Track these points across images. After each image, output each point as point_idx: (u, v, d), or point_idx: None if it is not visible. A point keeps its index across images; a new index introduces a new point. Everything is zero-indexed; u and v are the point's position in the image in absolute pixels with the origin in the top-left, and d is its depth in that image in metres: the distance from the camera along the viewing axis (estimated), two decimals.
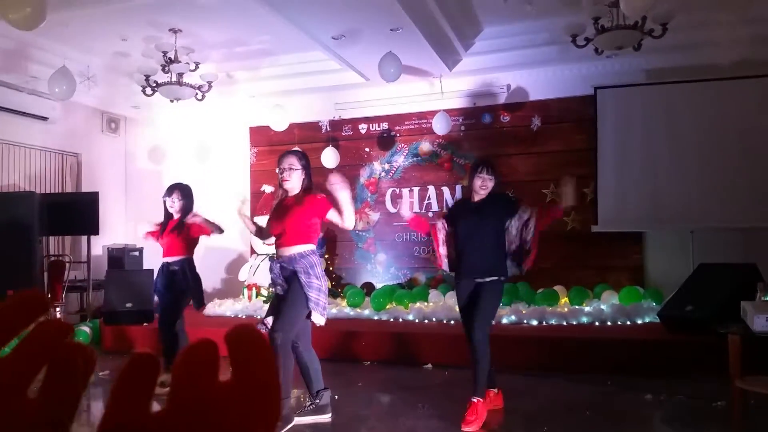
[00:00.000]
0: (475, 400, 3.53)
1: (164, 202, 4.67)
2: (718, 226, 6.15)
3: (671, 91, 6.45)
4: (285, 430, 3.49)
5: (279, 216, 3.58)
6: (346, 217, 3.48)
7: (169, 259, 4.60)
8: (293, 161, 3.61)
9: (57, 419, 0.30)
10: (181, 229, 4.58)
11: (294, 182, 3.58)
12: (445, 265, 3.91)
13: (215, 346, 0.33)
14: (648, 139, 6.50)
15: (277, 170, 3.64)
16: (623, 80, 6.68)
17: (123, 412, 0.31)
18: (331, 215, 3.53)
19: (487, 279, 3.66)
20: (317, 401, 3.63)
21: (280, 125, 7.39)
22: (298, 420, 3.57)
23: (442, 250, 3.87)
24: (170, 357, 4.38)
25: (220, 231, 4.55)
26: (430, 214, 7.58)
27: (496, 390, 3.85)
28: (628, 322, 5.57)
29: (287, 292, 3.52)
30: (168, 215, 4.68)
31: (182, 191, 4.64)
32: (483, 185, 3.71)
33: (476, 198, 3.78)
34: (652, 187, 6.41)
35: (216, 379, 0.32)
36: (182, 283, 4.54)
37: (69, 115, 7.79)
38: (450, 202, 7.51)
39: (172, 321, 4.53)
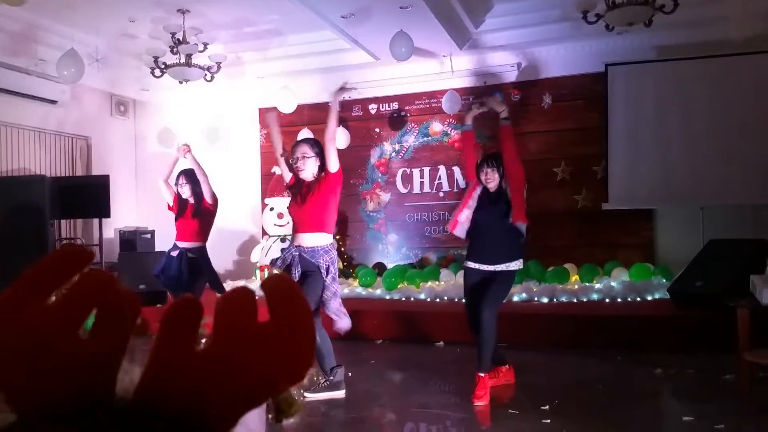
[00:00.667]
0: (482, 375, 3.60)
1: (176, 189, 4.85)
2: (728, 203, 6.12)
3: (682, 67, 6.38)
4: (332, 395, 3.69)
5: (298, 202, 3.62)
6: (327, 129, 3.66)
7: (186, 245, 4.70)
8: (306, 150, 3.67)
9: (108, 358, 0.32)
10: (199, 214, 4.74)
11: (309, 170, 3.65)
12: (459, 230, 3.88)
13: (253, 292, 0.35)
14: (659, 116, 6.45)
15: (291, 160, 3.71)
16: (634, 57, 6.62)
17: (169, 351, 0.33)
18: (327, 151, 3.64)
19: (502, 267, 3.72)
20: (331, 378, 3.69)
21: (288, 107, 7.39)
22: (313, 396, 3.64)
23: (462, 216, 3.86)
24: None
25: (204, 176, 4.77)
26: (441, 194, 7.60)
27: (507, 366, 3.91)
28: (638, 299, 5.59)
29: (303, 278, 3.55)
30: (183, 200, 4.80)
31: (187, 176, 4.80)
32: (487, 179, 3.80)
33: (491, 190, 3.84)
34: (663, 165, 6.38)
35: (255, 321, 0.34)
36: (200, 270, 4.68)
37: (78, 98, 7.82)
38: (461, 183, 7.51)
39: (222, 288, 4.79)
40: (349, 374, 4.16)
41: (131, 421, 0.29)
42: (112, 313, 0.33)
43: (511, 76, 7.24)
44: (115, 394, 0.31)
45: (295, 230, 3.66)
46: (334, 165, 3.64)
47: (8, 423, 0.28)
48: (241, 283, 7.20)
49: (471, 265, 3.85)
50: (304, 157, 3.64)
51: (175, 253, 4.69)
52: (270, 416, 0.35)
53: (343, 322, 3.67)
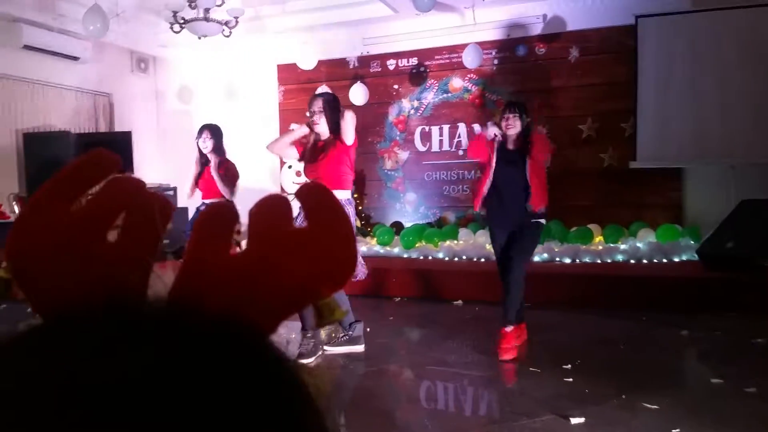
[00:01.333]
0: (508, 329, 3.57)
1: (197, 144, 4.75)
2: (761, 162, 5.88)
3: (718, 18, 6.05)
4: (313, 359, 3.60)
5: (312, 160, 3.55)
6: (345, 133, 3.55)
7: (211, 201, 4.67)
8: (323, 104, 3.57)
9: (138, 261, 0.31)
10: (218, 168, 4.68)
11: (324, 125, 3.55)
12: (480, 207, 3.86)
13: (287, 198, 0.33)
14: (691, 70, 6.17)
15: (307, 113, 3.61)
16: (666, 8, 6.29)
17: (204, 253, 0.31)
18: (345, 123, 3.54)
19: (525, 220, 3.64)
20: (350, 332, 3.68)
21: (307, 63, 7.25)
22: (332, 350, 3.64)
23: (485, 189, 3.78)
24: None
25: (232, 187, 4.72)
26: (460, 152, 7.45)
27: (523, 323, 3.86)
28: (665, 260, 5.46)
29: None
30: (204, 158, 4.74)
31: (211, 131, 4.73)
32: (508, 125, 3.69)
33: (510, 145, 3.73)
34: (694, 122, 6.14)
35: (291, 225, 0.32)
36: None
37: (99, 54, 7.76)
38: None
39: None
40: (368, 329, 4.14)
41: (165, 325, 0.26)
42: (142, 215, 0.32)
43: (537, 29, 6.96)
44: (146, 299, 0.30)
45: None
46: (350, 138, 3.58)
47: (32, 326, 0.26)
48: None
49: (493, 226, 3.81)
50: (321, 111, 3.55)
51: (203, 209, 4.69)
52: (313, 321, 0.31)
53: (359, 271, 3.60)
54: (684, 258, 5.43)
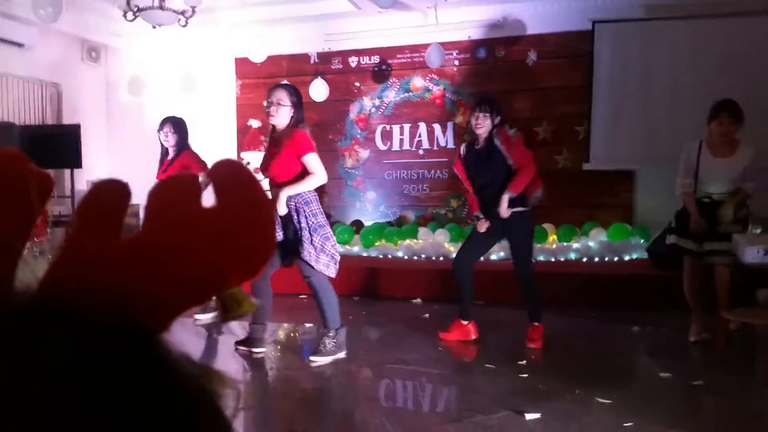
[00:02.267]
0: (537, 324, 3.76)
1: (159, 137, 4.54)
2: None
3: (672, 27, 6.27)
4: (258, 351, 3.63)
5: (269, 158, 3.47)
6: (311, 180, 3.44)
7: None
8: (282, 96, 3.45)
9: (6, 244, 0.27)
10: (172, 165, 4.48)
11: (281, 118, 3.45)
12: (475, 213, 3.93)
13: (196, 176, 0.31)
14: (645, 76, 6.37)
15: (264, 103, 3.51)
16: (622, 15, 6.48)
17: (86, 237, 0.27)
18: (309, 160, 3.40)
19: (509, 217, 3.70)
20: (337, 338, 3.56)
21: (258, 56, 7.14)
22: (321, 360, 3.49)
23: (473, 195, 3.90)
24: None
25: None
26: (421, 152, 7.49)
27: (466, 322, 3.93)
28: (616, 259, 5.61)
29: (292, 234, 3.41)
30: (165, 151, 4.55)
31: (174, 124, 4.50)
32: (477, 124, 3.71)
33: (477, 145, 3.78)
34: (646, 126, 6.33)
35: (196, 206, 0.29)
36: None
37: (47, 42, 7.45)
38: (441, 141, 7.41)
39: None
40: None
41: (33, 318, 0.23)
42: (13, 193, 0.27)
43: (496, 32, 7.06)
44: (12, 289, 0.26)
45: (273, 187, 3.49)
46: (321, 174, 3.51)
47: None
48: None
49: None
50: (279, 103, 3.44)
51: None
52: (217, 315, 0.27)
53: (332, 271, 3.54)
54: (634, 256, 5.60)
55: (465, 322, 3.94)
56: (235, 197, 0.29)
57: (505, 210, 3.64)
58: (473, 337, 3.94)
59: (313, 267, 3.39)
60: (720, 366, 3.43)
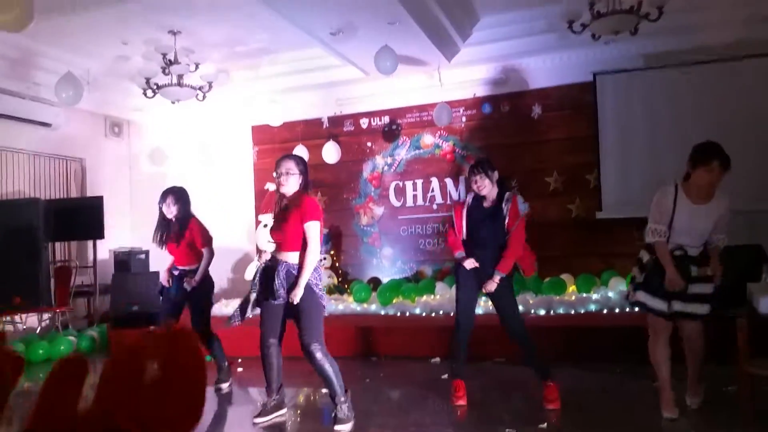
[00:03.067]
0: (550, 383, 3.72)
1: (160, 209, 4.60)
2: None
3: (670, 74, 6.40)
4: (278, 414, 3.71)
5: (279, 222, 3.59)
6: (309, 251, 3.49)
7: (184, 268, 4.62)
8: (290, 166, 3.61)
9: None
10: (182, 238, 4.56)
11: (290, 186, 3.59)
12: (458, 252, 3.92)
13: (139, 352, 0.35)
14: (649, 123, 6.46)
15: (274, 174, 3.65)
16: (622, 65, 6.64)
17: (49, 412, 0.32)
18: (309, 227, 3.49)
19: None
20: (344, 405, 3.55)
21: (275, 120, 7.40)
22: (345, 428, 3.50)
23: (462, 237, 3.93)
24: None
25: (210, 253, 4.64)
26: (434, 206, 7.59)
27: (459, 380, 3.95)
28: (636, 309, 5.54)
29: (300, 300, 3.44)
30: (167, 222, 4.62)
31: (175, 195, 4.59)
32: (478, 187, 3.83)
33: (485, 203, 3.87)
34: (656, 172, 6.36)
35: (140, 379, 0.34)
36: (204, 288, 4.62)
37: (72, 120, 7.82)
38: (454, 194, 7.50)
39: (207, 323, 4.63)
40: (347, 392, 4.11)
41: None
42: None
43: (500, 88, 7.26)
44: None
45: (278, 250, 3.61)
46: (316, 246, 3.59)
47: None
48: (235, 302, 7.13)
49: (465, 277, 3.87)
50: (288, 173, 3.59)
51: (176, 273, 4.65)
52: None
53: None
54: None
55: (461, 380, 3.96)
56: (174, 370, 0.34)
57: (493, 287, 3.74)
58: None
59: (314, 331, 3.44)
60: (745, 421, 3.35)
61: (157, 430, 0.33)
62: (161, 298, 4.83)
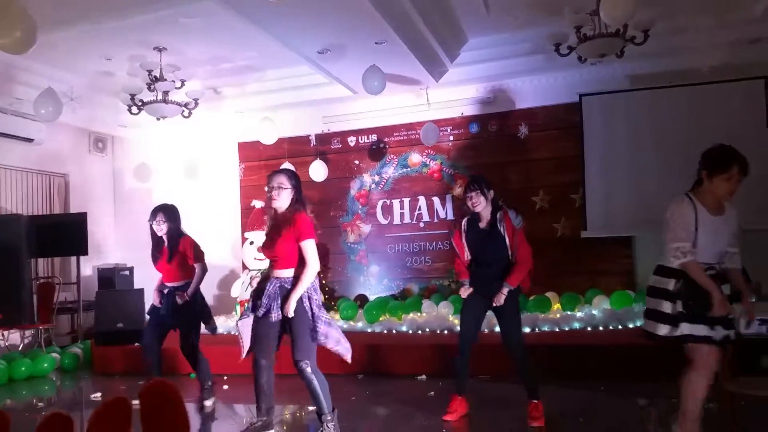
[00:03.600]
0: (536, 402, 3.79)
1: (151, 226, 4.56)
2: None
3: (655, 96, 6.52)
4: None
5: (271, 239, 3.56)
6: (309, 269, 3.45)
7: (174, 284, 4.54)
8: (283, 180, 3.57)
9: None
10: (174, 255, 4.52)
11: (283, 201, 3.55)
12: (463, 280, 4.02)
13: (127, 403, 0.36)
14: (634, 143, 6.57)
15: (266, 188, 3.62)
16: (607, 87, 6.76)
17: None
18: (306, 246, 3.46)
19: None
20: (331, 423, 3.50)
21: (269, 138, 7.41)
22: None
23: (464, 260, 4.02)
24: (159, 372, 4.54)
25: (203, 268, 4.58)
26: (422, 224, 7.61)
27: (462, 397, 3.99)
28: (620, 327, 5.58)
29: (294, 315, 3.40)
30: (157, 239, 4.59)
31: (166, 213, 4.53)
32: (473, 203, 3.89)
33: (481, 224, 3.93)
34: (640, 191, 6.46)
35: (128, 427, 0.35)
36: (194, 307, 4.54)
37: (55, 135, 7.77)
38: (441, 213, 7.54)
39: (195, 344, 4.53)
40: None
41: None
42: None
43: (488, 108, 7.35)
44: None
45: (272, 267, 3.59)
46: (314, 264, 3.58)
47: None
48: (221, 318, 7.07)
49: (471, 297, 3.95)
50: (280, 187, 3.55)
51: (165, 291, 4.57)
52: None
53: (348, 349, 3.56)
54: (638, 324, 5.57)
55: (461, 396, 3.96)
56: (158, 421, 0.36)
57: (502, 300, 3.77)
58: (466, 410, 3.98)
59: (305, 351, 3.40)
60: None
61: None
62: (148, 317, 4.75)
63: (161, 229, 4.51)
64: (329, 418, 3.47)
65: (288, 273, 3.50)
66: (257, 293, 3.55)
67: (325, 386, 3.46)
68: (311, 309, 3.44)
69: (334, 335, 3.49)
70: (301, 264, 3.48)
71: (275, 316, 3.44)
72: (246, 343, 3.51)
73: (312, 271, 3.44)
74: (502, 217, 3.88)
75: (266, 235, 3.64)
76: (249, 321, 3.52)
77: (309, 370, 3.39)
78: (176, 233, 4.55)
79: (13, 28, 3.74)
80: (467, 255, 3.97)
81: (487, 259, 3.88)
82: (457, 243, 4.02)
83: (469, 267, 3.98)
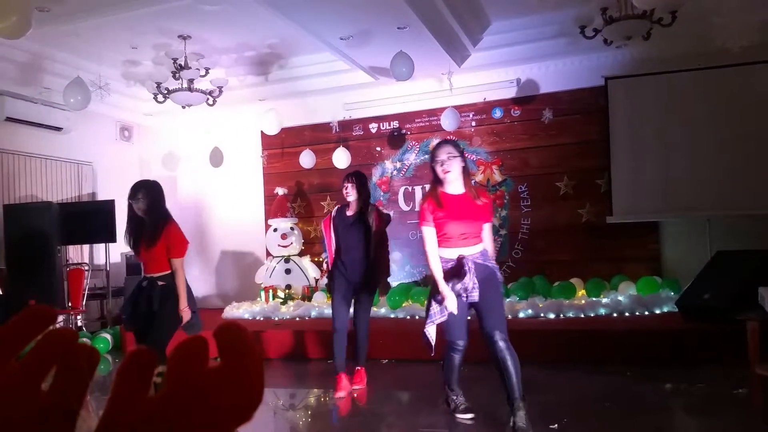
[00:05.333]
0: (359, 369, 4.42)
1: (130, 206, 3.76)
2: (734, 213, 6.09)
3: (682, 79, 6.39)
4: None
5: (463, 211, 3.39)
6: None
7: (156, 275, 3.77)
8: (451, 149, 3.47)
9: (67, 408, 0.36)
10: (155, 240, 3.71)
11: (455, 171, 3.42)
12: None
13: (205, 340, 0.38)
14: (661, 127, 6.45)
15: (435, 161, 3.49)
16: (634, 70, 6.63)
17: (124, 400, 0.36)
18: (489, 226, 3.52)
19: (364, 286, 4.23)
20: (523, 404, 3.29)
21: (272, 129, 7.42)
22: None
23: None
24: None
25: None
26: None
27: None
28: (646, 313, 5.53)
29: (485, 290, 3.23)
30: (136, 220, 3.78)
31: (147, 188, 3.77)
32: (347, 193, 4.30)
33: (348, 210, 4.33)
34: (667, 176, 6.36)
35: (205, 367, 0.37)
36: (174, 302, 3.74)
37: (83, 124, 7.89)
38: None
39: (165, 344, 3.59)
40: (355, 395, 4.12)
41: None
42: (71, 369, 0.37)
43: (511, 92, 7.27)
44: None
45: (462, 245, 3.34)
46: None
47: None
48: (245, 304, 7.17)
49: (336, 282, 4.35)
50: (450, 158, 3.45)
51: (144, 283, 3.81)
52: None
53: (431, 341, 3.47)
54: (665, 310, 5.51)
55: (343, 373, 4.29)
56: (233, 359, 0.37)
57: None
58: None
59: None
60: (755, 424, 3.33)
61: (223, 415, 0.36)
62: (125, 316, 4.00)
63: (140, 208, 3.71)
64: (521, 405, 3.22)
65: (476, 249, 3.33)
66: (453, 276, 3.28)
67: (517, 365, 3.21)
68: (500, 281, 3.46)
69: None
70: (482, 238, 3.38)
71: (474, 295, 3.22)
72: (434, 339, 3.38)
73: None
74: (372, 209, 4.31)
75: (454, 214, 3.39)
76: (442, 318, 3.32)
77: (502, 344, 3.17)
78: (159, 215, 3.76)
79: (8, 13, 3.74)
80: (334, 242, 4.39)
81: (355, 247, 4.25)
82: (327, 230, 4.44)
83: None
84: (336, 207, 4.48)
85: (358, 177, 4.36)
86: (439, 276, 3.25)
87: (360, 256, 4.22)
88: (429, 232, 3.34)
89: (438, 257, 3.31)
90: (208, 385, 0.36)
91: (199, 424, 0.35)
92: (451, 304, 3.22)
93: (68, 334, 0.38)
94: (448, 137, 6.26)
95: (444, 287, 3.22)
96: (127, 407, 0.36)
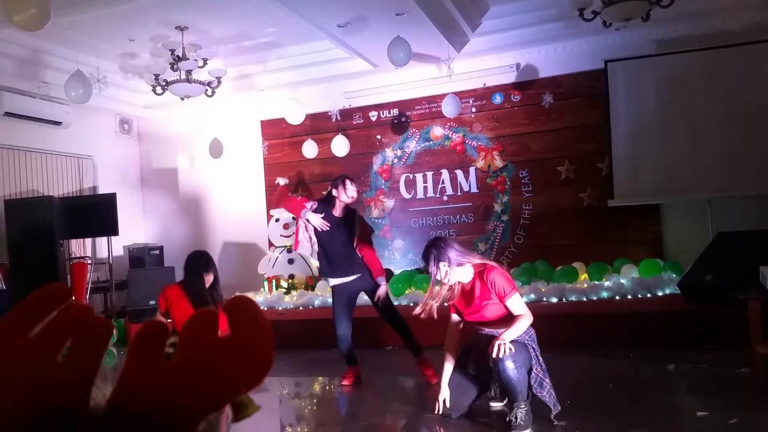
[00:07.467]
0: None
1: (202, 276, 4.05)
2: (735, 195, 6.08)
3: (682, 60, 6.35)
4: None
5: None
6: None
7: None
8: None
9: (82, 378, 0.37)
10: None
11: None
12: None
13: (215, 312, 0.40)
14: (661, 110, 6.43)
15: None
16: (633, 52, 6.60)
17: (137, 365, 0.38)
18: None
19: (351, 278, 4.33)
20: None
21: (296, 119, 7.41)
22: None
23: None
24: None
25: None
26: (445, 198, 7.60)
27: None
28: (649, 295, 5.54)
29: None
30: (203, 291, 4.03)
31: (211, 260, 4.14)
32: (352, 196, 4.41)
33: (335, 211, 4.35)
34: (667, 159, 6.35)
35: (215, 336, 0.39)
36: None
37: (82, 118, 7.88)
38: (464, 186, 7.51)
39: None
40: (361, 382, 4.15)
41: (104, 425, 0.34)
42: (86, 341, 0.38)
43: (510, 77, 7.24)
44: (89, 408, 0.36)
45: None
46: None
47: None
48: (249, 294, 7.18)
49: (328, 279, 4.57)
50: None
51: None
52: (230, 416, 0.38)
53: None
54: (667, 292, 5.52)
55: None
56: (242, 329, 0.39)
57: None
58: None
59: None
60: (758, 402, 3.35)
61: (232, 381, 0.38)
62: None
63: (209, 280, 4.00)
64: (522, 405, 3.21)
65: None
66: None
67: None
68: None
69: None
70: None
71: None
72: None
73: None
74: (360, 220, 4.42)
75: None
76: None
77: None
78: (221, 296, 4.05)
79: (28, 4, 3.74)
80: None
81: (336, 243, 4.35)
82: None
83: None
84: (314, 202, 4.31)
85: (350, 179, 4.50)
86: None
87: (345, 255, 4.28)
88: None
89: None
90: (219, 352, 0.38)
91: (209, 387, 0.37)
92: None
93: (83, 307, 0.39)
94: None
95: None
96: (141, 374, 0.37)
